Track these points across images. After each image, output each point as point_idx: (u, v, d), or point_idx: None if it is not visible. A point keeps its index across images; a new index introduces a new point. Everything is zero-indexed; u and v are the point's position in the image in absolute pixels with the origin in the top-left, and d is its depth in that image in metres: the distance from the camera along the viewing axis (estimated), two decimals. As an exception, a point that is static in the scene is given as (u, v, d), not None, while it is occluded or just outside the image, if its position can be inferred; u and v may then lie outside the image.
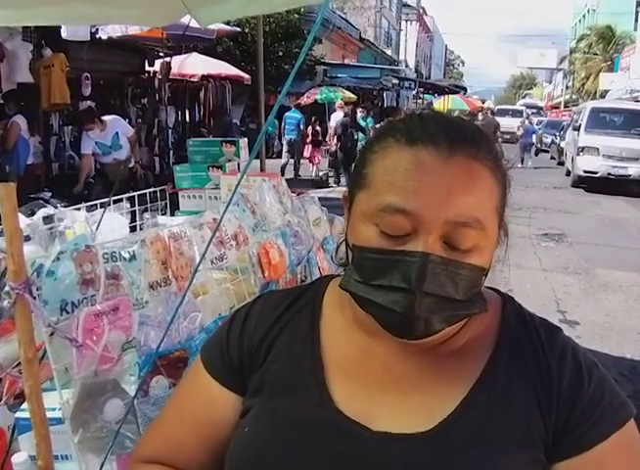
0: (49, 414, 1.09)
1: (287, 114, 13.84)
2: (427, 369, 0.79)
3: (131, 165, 7.10)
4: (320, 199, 2.51)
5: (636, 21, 33.66)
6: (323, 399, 0.79)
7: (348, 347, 0.83)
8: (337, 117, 12.98)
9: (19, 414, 1.19)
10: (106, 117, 6.87)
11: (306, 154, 14.13)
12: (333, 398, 0.79)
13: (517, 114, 31.46)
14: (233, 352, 0.87)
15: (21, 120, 6.79)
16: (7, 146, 6.72)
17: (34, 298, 1.04)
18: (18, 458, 1.08)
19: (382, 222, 0.71)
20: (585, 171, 13.43)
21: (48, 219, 2.15)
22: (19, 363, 1.13)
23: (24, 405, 1.14)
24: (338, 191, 10.64)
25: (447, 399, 0.76)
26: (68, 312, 1.12)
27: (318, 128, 14.60)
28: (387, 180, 0.72)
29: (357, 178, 0.78)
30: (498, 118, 29.09)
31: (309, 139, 14.18)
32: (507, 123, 29.14)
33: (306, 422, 0.78)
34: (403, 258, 0.70)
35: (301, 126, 13.91)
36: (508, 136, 28.77)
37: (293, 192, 2.36)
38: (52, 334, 1.10)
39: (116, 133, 6.79)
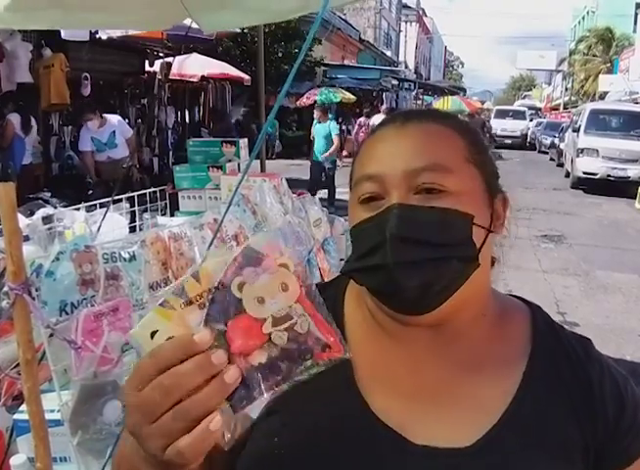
0: (48, 416, 1.08)
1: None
2: (460, 377, 0.75)
3: (125, 165, 7.09)
4: (320, 200, 2.51)
5: (635, 23, 33.70)
6: (359, 405, 0.75)
7: (376, 352, 0.79)
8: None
9: (17, 416, 1.18)
10: (107, 115, 6.92)
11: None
12: (369, 405, 0.75)
13: (518, 115, 28.78)
14: None
15: (14, 118, 6.78)
16: (3, 144, 6.70)
17: (33, 298, 1.03)
18: (16, 460, 1.08)
19: (359, 196, 0.75)
20: (585, 173, 13.42)
21: (47, 219, 2.14)
22: (17, 364, 1.12)
23: (23, 407, 1.13)
24: (338, 192, 10.67)
25: (486, 412, 0.73)
26: (67, 313, 1.11)
27: (344, 127, 17.17)
28: (359, 165, 0.78)
29: (350, 187, 0.81)
30: (497, 120, 28.36)
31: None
32: (508, 126, 27.82)
33: (345, 431, 0.73)
34: (379, 216, 0.72)
35: None
36: (509, 141, 26.29)
37: (293, 193, 2.35)
38: (51, 335, 1.09)
39: (113, 132, 6.83)
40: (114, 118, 7.05)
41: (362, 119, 17.58)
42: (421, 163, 0.72)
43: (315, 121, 10.14)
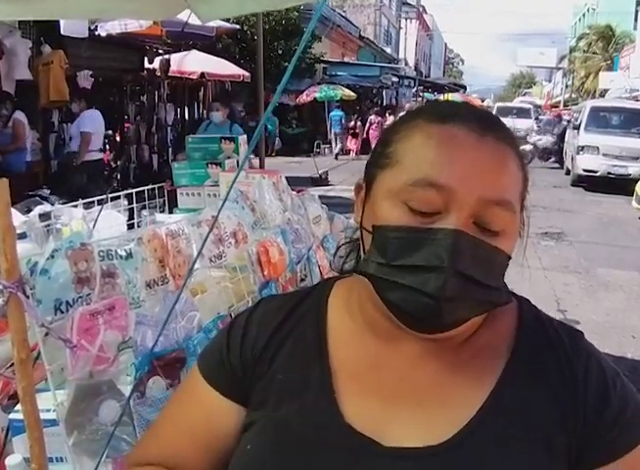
0: (43, 416, 1.07)
1: (332, 113, 18.18)
2: (442, 377, 0.74)
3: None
4: (320, 197, 2.49)
5: (636, 20, 33.64)
6: (332, 412, 0.74)
7: (359, 355, 0.78)
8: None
9: (13, 415, 1.16)
10: (89, 111, 7.28)
11: (347, 143, 18.95)
12: (342, 411, 0.74)
13: (523, 113, 26.10)
14: (234, 359, 0.83)
15: (22, 117, 6.74)
16: (18, 144, 6.65)
17: (28, 297, 1.02)
18: (11, 460, 1.06)
19: (411, 198, 0.67)
20: (585, 170, 13.41)
21: (45, 216, 2.12)
22: (12, 364, 1.10)
23: (18, 407, 1.12)
24: (338, 189, 10.65)
25: (463, 409, 0.72)
26: (62, 312, 1.10)
27: (358, 123, 19.08)
28: (417, 155, 0.69)
29: (379, 159, 0.74)
30: (498, 119, 27.78)
31: (350, 132, 18.96)
32: (510, 125, 27.19)
33: (313, 438, 0.72)
34: (434, 235, 0.65)
35: (343, 121, 18.40)
36: None
37: (292, 190, 2.33)
38: (46, 334, 1.07)
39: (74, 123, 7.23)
40: (86, 112, 7.30)
41: (372, 117, 18.24)
42: (497, 196, 0.67)
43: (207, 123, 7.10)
